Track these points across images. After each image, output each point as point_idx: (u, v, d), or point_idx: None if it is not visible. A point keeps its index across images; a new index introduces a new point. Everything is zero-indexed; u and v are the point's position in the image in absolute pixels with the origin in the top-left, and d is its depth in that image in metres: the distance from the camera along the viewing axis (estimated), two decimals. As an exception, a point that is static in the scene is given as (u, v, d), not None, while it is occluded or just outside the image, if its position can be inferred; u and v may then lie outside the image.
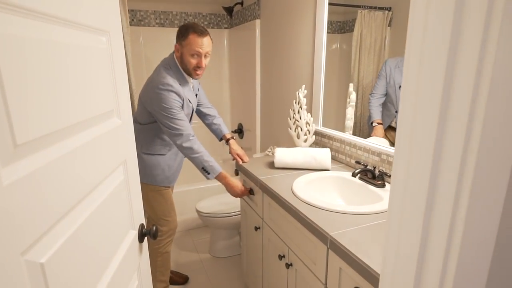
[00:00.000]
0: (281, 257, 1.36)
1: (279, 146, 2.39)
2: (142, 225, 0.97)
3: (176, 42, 1.58)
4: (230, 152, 1.79)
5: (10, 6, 0.42)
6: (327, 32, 1.77)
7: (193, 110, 1.72)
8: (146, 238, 1.01)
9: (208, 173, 1.59)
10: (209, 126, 1.90)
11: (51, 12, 0.52)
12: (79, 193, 0.59)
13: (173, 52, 1.63)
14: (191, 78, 1.66)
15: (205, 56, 1.57)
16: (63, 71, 0.55)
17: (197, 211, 2.24)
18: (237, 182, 1.65)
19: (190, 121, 1.69)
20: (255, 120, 2.77)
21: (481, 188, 0.43)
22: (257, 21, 2.55)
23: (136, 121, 1.68)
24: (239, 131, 3.17)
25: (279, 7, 2.23)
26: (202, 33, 1.52)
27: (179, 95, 1.55)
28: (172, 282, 2.07)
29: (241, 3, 2.85)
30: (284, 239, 1.34)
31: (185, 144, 1.54)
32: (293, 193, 1.31)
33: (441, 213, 0.46)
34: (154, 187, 1.69)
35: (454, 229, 0.45)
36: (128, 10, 2.77)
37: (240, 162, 1.74)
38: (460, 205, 0.44)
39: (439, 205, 0.46)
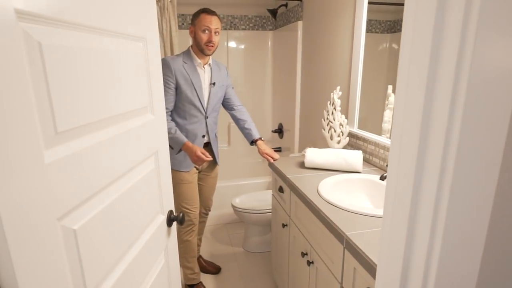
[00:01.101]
0: (303, 254, 1.39)
1: (316, 146, 2.39)
2: (170, 211, 1.07)
3: (191, 25, 1.77)
4: (259, 153, 1.85)
5: (64, 23, 0.53)
6: (375, 32, 1.73)
7: (209, 95, 1.82)
8: (175, 224, 1.12)
9: (172, 148, 1.69)
10: (242, 130, 1.97)
11: (92, 24, 0.62)
12: (111, 175, 0.70)
13: None
14: (204, 64, 1.80)
15: (215, 33, 1.71)
16: (100, 72, 0.65)
17: (232, 206, 2.34)
18: (194, 149, 1.67)
19: (201, 104, 1.79)
20: (294, 120, 2.80)
21: (462, 189, 0.44)
22: (300, 23, 2.58)
23: None
24: (279, 131, 3.22)
25: (321, 8, 2.24)
26: (211, 12, 1.72)
27: (168, 68, 1.69)
28: (205, 271, 2.19)
29: (285, 5, 2.90)
30: (308, 237, 1.37)
31: None
32: (318, 193, 1.33)
33: (425, 211, 0.48)
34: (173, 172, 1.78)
35: (435, 226, 0.46)
36: (178, 15, 2.97)
37: (271, 161, 1.79)
38: (441, 203, 0.45)
39: (422, 203, 0.48)
